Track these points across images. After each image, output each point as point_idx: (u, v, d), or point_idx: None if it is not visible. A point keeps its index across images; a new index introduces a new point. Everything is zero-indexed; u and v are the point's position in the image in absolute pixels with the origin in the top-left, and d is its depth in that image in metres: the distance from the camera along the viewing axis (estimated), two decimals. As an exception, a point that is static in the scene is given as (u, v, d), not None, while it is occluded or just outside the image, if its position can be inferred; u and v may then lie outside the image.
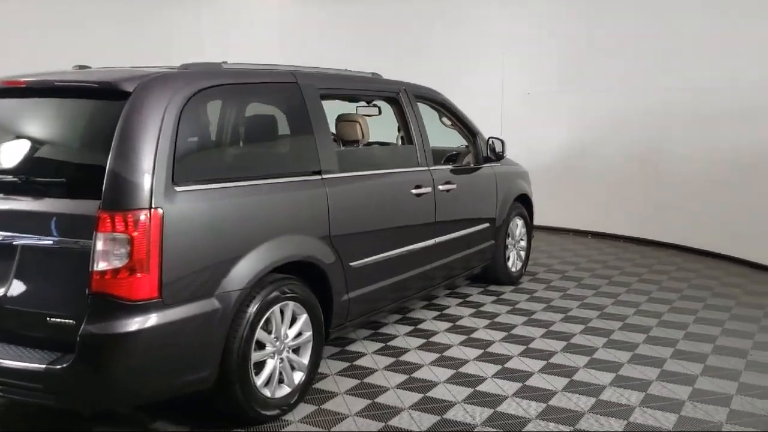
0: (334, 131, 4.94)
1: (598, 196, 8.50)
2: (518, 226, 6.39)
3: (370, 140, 5.20)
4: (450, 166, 5.39)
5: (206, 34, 9.01)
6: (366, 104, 5.32)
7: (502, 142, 5.76)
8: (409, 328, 5.07)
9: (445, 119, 5.69)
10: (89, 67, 3.85)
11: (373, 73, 4.95)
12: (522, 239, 6.50)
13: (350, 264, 4.11)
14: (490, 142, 5.76)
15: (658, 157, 7.92)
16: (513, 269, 6.32)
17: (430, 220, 4.90)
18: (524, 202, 6.50)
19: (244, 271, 3.38)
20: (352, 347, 4.69)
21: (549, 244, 8.24)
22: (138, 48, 8.29)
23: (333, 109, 5.10)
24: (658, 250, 7.85)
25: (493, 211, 5.86)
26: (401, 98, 4.87)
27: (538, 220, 8.93)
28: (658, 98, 7.83)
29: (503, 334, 4.95)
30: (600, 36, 8.29)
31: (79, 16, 8.41)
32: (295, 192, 3.72)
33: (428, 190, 4.82)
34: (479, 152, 5.75)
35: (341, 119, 4.97)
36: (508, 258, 6.27)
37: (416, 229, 4.76)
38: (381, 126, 6.16)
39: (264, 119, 3.95)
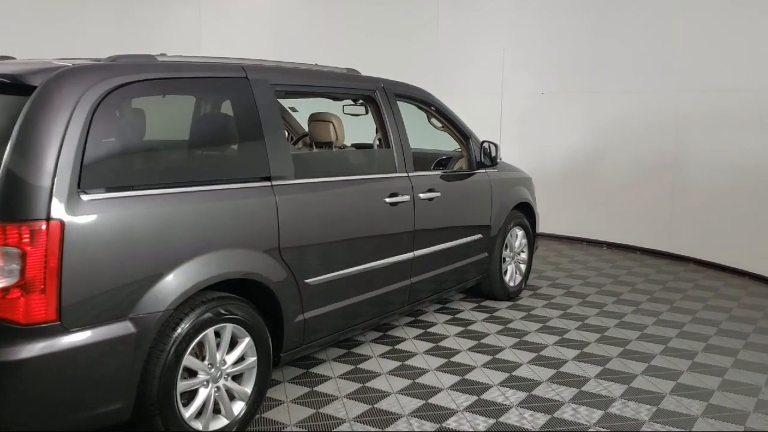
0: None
1: (612, 204, 7.94)
2: (517, 236, 5.90)
3: (348, 142, 4.79)
4: (435, 172, 4.94)
5: (205, 29, 8.66)
6: (353, 103, 4.89)
7: (496, 146, 5.28)
8: (386, 348, 4.63)
9: (434, 120, 5.23)
10: (13, 59, 3.49)
11: (348, 69, 4.52)
12: (522, 251, 6.00)
13: (306, 281, 3.69)
14: (485, 146, 5.29)
15: (676, 163, 7.34)
16: (511, 283, 5.83)
17: (408, 231, 4.45)
18: (526, 211, 6.00)
19: (166, 290, 2.99)
20: (318, 369, 4.27)
21: (559, 255, 7.71)
22: (133, 42, 7.97)
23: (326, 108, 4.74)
24: (677, 265, 7.27)
25: (487, 221, 5.38)
26: (378, 97, 4.43)
27: (549, 229, 8.46)
28: (675, 100, 7.25)
29: (487, 358, 4.49)
30: (611, 33, 7.73)
31: (77, 9, 8.13)
32: (234, 201, 3.31)
33: (406, 198, 4.37)
34: (472, 157, 5.28)
35: (313, 119, 4.57)
36: (506, 271, 5.78)
37: (391, 242, 4.32)
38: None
39: (202, 118, 3.54)
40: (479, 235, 5.29)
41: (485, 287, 5.70)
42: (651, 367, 4.37)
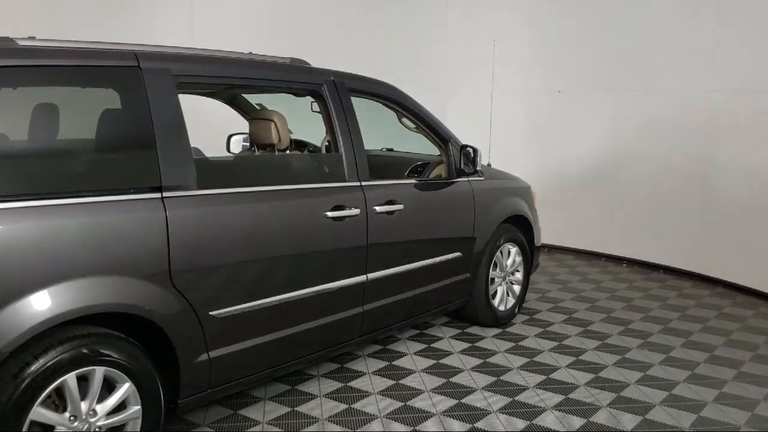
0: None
1: (635, 216, 7.11)
2: (510, 254, 5.16)
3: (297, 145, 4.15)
4: (400, 181, 4.28)
5: (197, 23, 8.12)
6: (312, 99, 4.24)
7: (476, 150, 4.56)
8: (337, 386, 3.98)
9: (406, 120, 4.55)
10: None
11: (293, 59, 3.87)
12: (517, 270, 5.26)
13: (211, 313, 3.06)
14: (466, 150, 4.58)
15: (705, 171, 6.48)
16: (501, 308, 5.10)
17: (359, 250, 3.78)
18: (522, 225, 5.27)
19: (2, 328, 2.39)
20: (248, 411, 3.65)
21: (571, 271, 6.92)
22: (121, 32, 7.46)
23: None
24: (703, 287, 6.41)
25: (469, 237, 4.67)
26: (326, 92, 3.76)
27: (565, 242, 7.67)
28: (706, 101, 6.40)
29: (451, 402, 3.79)
30: (634, 26, 6.90)
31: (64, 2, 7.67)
32: (101, 217, 2.69)
33: (355, 212, 3.70)
34: (451, 163, 4.58)
35: (253, 118, 3.95)
36: (495, 294, 5.06)
37: (334, 263, 3.66)
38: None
39: (69, 115, 2.93)
40: (458, 254, 4.58)
41: (470, 312, 5.00)
42: (646, 421, 3.60)
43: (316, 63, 4.06)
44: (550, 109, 7.70)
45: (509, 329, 5.07)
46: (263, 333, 3.34)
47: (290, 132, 5.33)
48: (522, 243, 5.23)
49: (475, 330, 5.01)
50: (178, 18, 8.05)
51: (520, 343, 4.76)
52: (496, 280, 5.06)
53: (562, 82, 7.57)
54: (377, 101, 4.24)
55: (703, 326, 5.23)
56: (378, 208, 3.85)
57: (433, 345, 4.69)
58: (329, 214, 3.56)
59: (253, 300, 3.23)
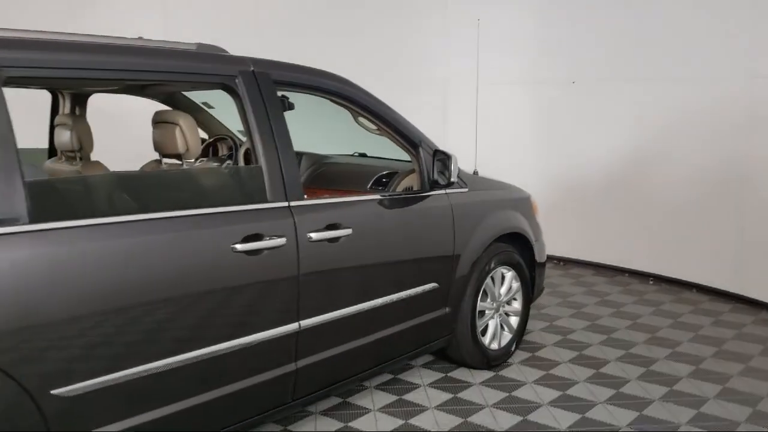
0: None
1: (661, 226, 6.13)
2: (504, 280, 4.27)
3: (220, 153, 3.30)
4: (348, 198, 3.41)
5: (170, 20, 7.36)
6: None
7: (450, 157, 3.65)
8: (271, 459, 3.13)
9: (363, 120, 3.67)
10: None
11: (200, 45, 3.01)
12: (514, 299, 4.36)
13: (53, 392, 2.23)
14: (439, 157, 3.69)
15: (745, 173, 5.48)
16: (493, 346, 4.21)
17: (287, 293, 2.91)
18: (519, 244, 4.36)
19: None
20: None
21: (588, 292, 5.96)
22: (90, 22, 6.73)
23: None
24: (744, 312, 5.41)
25: (447, 263, 3.79)
26: (241, 86, 2.90)
27: (584, 256, 6.74)
28: (747, 90, 5.40)
29: (410, 487, 2.91)
30: (657, 6, 5.92)
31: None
32: None
33: (278, 242, 2.83)
34: (423, 172, 3.70)
35: (154, 120, 3.11)
36: (485, 330, 4.16)
37: (244, 312, 2.79)
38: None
39: None
40: (433, 285, 3.70)
41: (453, 352, 4.11)
42: None
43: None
44: (560, 104, 6.75)
45: (503, 372, 4.16)
46: (142, 410, 2.50)
47: (239, 139, 4.52)
48: (519, 265, 4.33)
49: (460, 374, 4.12)
50: (150, 17, 7.32)
51: (513, 394, 3.85)
52: (486, 312, 4.16)
53: (573, 72, 6.61)
54: (321, 96, 3.36)
55: (744, 367, 4.25)
56: (314, 236, 2.99)
57: (404, 397, 3.81)
58: (238, 246, 2.70)
59: (120, 369, 2.39)
